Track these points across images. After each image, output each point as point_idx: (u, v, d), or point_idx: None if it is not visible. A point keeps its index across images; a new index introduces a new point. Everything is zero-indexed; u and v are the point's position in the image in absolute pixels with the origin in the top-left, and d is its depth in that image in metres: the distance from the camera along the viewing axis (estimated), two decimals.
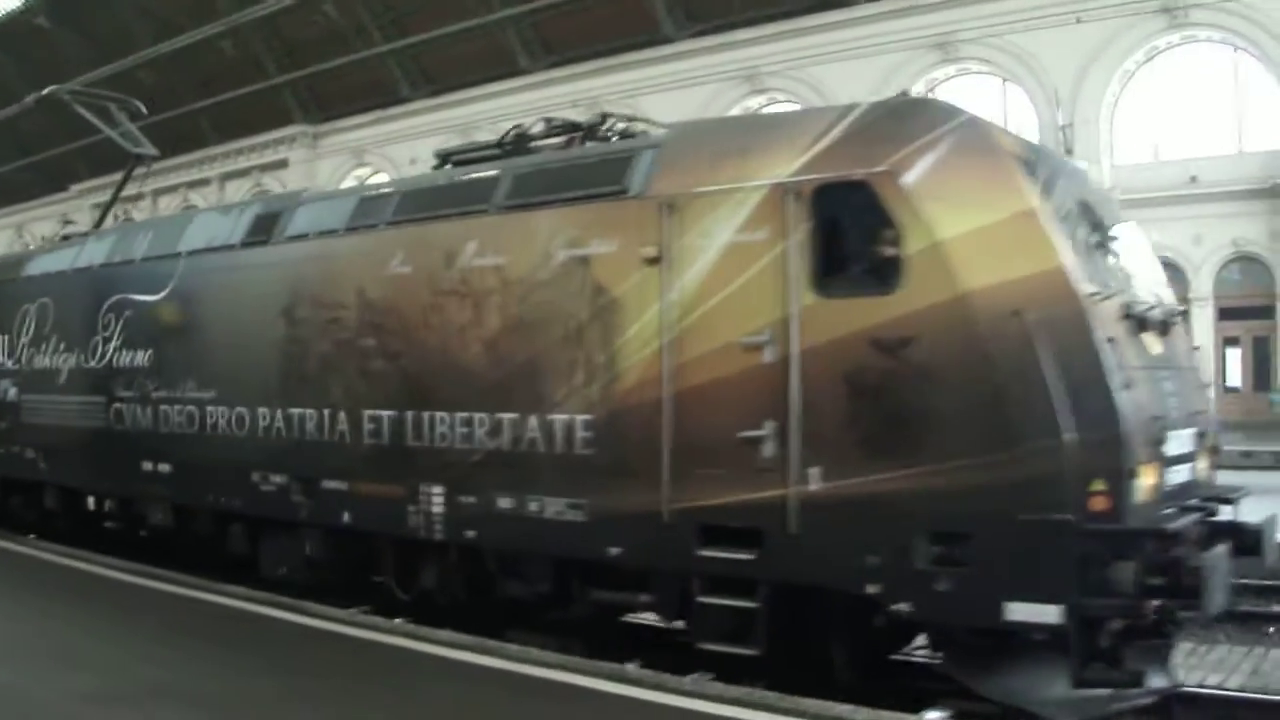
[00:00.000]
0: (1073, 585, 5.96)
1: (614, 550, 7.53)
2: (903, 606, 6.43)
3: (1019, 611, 6.06)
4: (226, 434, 10.41)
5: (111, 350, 11.87)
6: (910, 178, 6.54)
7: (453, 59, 26.72)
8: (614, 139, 9.16)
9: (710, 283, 7.14)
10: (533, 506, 7.97)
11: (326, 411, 9.45)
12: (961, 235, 6.39)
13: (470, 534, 8.39)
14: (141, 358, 11.46)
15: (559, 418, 7.84)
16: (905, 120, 6.96)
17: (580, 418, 7.73)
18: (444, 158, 10.26)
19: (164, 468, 11.15)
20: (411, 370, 8.84)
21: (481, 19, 24.76)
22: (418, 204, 9.12)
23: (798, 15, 21.09)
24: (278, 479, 9.88)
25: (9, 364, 13.76)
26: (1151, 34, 18.06)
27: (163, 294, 11.24)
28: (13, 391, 13.65)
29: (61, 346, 12.75)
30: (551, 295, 7.93)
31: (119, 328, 11.78)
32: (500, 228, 8.37)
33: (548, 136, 9.32)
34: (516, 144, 9.40)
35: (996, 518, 6.11)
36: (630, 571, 7.70)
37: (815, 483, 6.66)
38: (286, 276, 9.94)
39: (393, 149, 28.56)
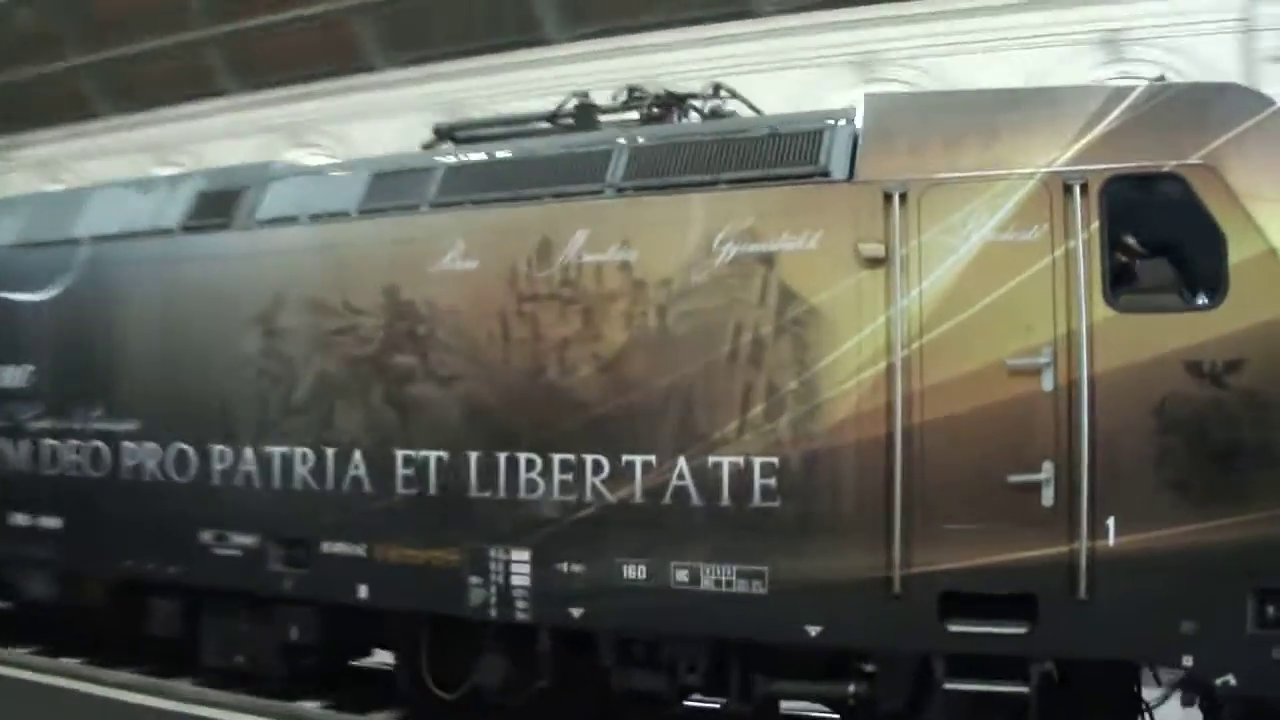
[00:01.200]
0: None
1: (812, 629, 5.87)
2: (1227, 679, 5.36)
3: None
4: (156, 479, 7.82)
5: None
6: (1234, 172, 5.50)
7: (150, 76, 24.70)
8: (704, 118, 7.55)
9: (963, 290, 5.74)
10: (681, 576, 6.16)
11: (331, 451, 7.17)
12: None
13: (576, 612, 6.43)
14: (12, 376, 8.58)
15: (725, 460, 6.09)
16: (1210, 105, 5.83)
17: (759, 460, 6.02)
18: (444, 134, 8.19)
19: (48, 522, 8.33)
20: (478, 398, 6.76)
21: (180, 36, 22.86)
22: (483, 180, 7.06)
23: (500, 50, 20.48)
24: (244, 540, 7.47)
25: None
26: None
27: (50, 292, 8.42)
28: None
29: None
30: (713, 302, 6.17)
31: None
32: (624, 214, 6.51)
33: (626, 109, 7.53)
34: (580, 116, 7.56)
35: None
36: (823, 654, 6.06)
37: (1113, 536, 5.43)
38: (263, 272, 7.54)
39: (88, 165, 25.86)
